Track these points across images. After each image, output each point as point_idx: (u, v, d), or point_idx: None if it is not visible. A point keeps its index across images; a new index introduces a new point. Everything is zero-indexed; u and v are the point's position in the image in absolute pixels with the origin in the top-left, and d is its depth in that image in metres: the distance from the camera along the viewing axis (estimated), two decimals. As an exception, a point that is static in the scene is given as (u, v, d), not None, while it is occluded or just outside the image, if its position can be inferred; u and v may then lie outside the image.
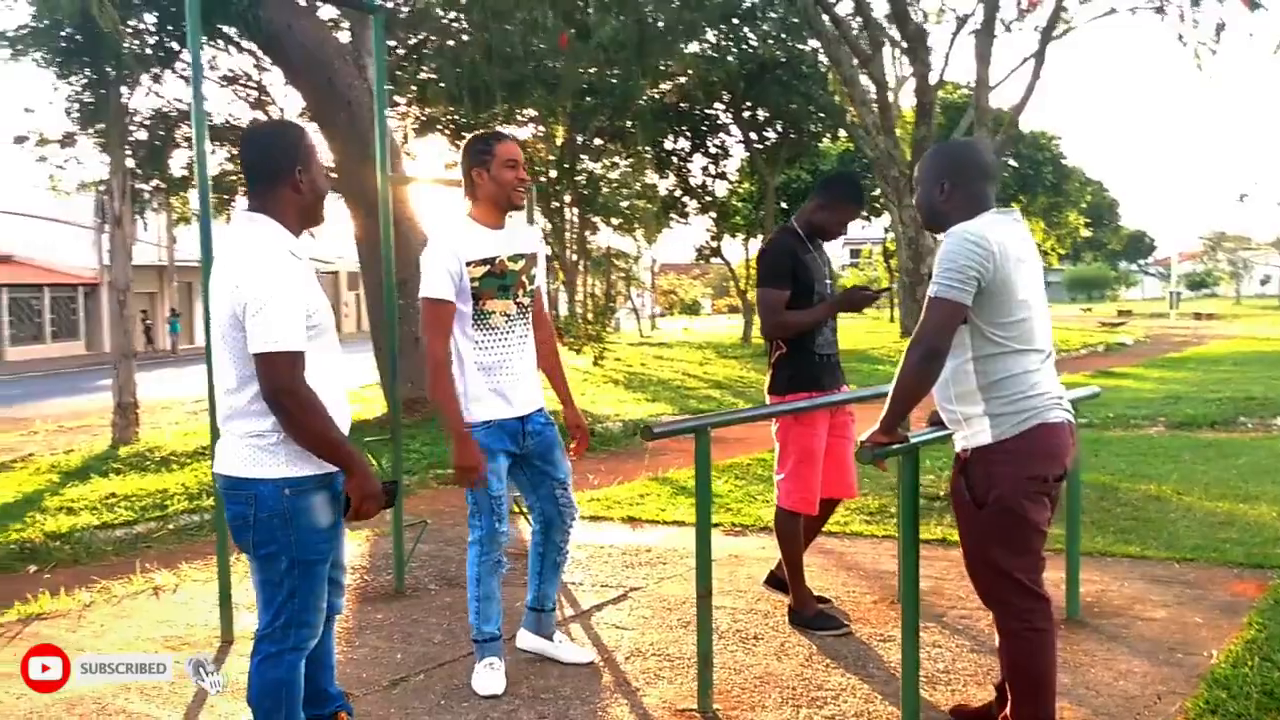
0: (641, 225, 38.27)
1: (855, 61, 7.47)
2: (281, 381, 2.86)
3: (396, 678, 4.28)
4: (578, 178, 31.00)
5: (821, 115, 27.46)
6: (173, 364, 31.34)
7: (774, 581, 5.06)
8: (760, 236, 32.29)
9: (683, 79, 26.83)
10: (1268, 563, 5.50)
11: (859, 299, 4.86)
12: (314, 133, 15.78)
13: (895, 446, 3.23)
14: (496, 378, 4.05)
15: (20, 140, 17.12)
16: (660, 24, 13.25)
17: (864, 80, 7.87)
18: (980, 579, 3.25)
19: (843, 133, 30.54)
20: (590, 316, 26.62)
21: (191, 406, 17.38)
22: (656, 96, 27.49)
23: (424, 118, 22.03)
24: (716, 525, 6.93)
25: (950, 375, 3.14)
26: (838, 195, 4.78)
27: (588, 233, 34.87)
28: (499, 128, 25.66)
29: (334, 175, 14.40)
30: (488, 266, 4.00)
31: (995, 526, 3.13)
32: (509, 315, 4.07)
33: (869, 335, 32.92)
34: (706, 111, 28.78)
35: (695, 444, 3.76)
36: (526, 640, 4.44)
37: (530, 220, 6.70)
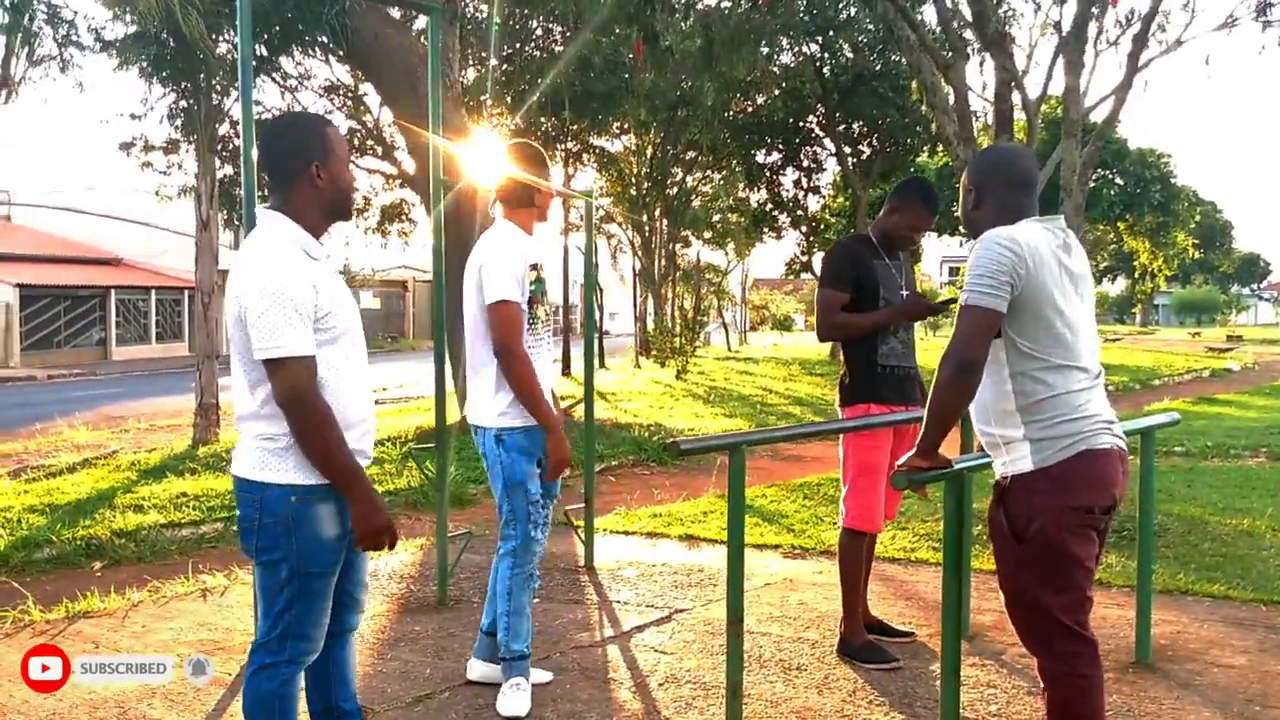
0: (732, 239, 38.07)
1: (935, 69, 7.19)
2: (291, 388, 2.75)
3: (421, 694, 4.15)
4: (669, 190, 30.91)
5: (918, 129, 26.92)
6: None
7: (845, 649, 4.57)
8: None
9: (776, 91, 26.57)
10: (1365, 609, 5.09)
11: (919, 308, 4.60)
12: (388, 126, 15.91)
13: (935, 472, 3.00)
14: (541, 380, 4.00)
15: (126, 147, 17.64)
16: (729, 29, 13.06)
17: (944, 89, 7.57)
18: (1019, 618, 2.98)
19: (940, 147, 29.98)
20: (678, 330, 26.46)
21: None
22: (748, 109, 27.30)
23: (514, 127, 22.20)
24: (775, 546, 6.71)
25: (987, 394, 2.90)
26: (908, 197, 4.58)
27: (677, 246, 34.76)
28: (592, 139, 25.86)
29: (415, 181, 14.53)
30: (536, 272, 4.03)
31: (1035, 562, 2.87)
32: (543, 321, 4.09)
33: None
34: (799, 124, 28.41)
35: (730, 462, 3.57)
36: (478, 670, 4.23)
37: (590, 232, 6.60)
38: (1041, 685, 3.01)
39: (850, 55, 25.83)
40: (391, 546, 2.92)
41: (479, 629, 4.32)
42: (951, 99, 7.08)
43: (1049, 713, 2.95)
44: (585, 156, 27.00)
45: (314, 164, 2.89)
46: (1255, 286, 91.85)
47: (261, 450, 2.86)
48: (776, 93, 26.76)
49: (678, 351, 24.28)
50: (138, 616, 5.33)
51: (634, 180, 30.00)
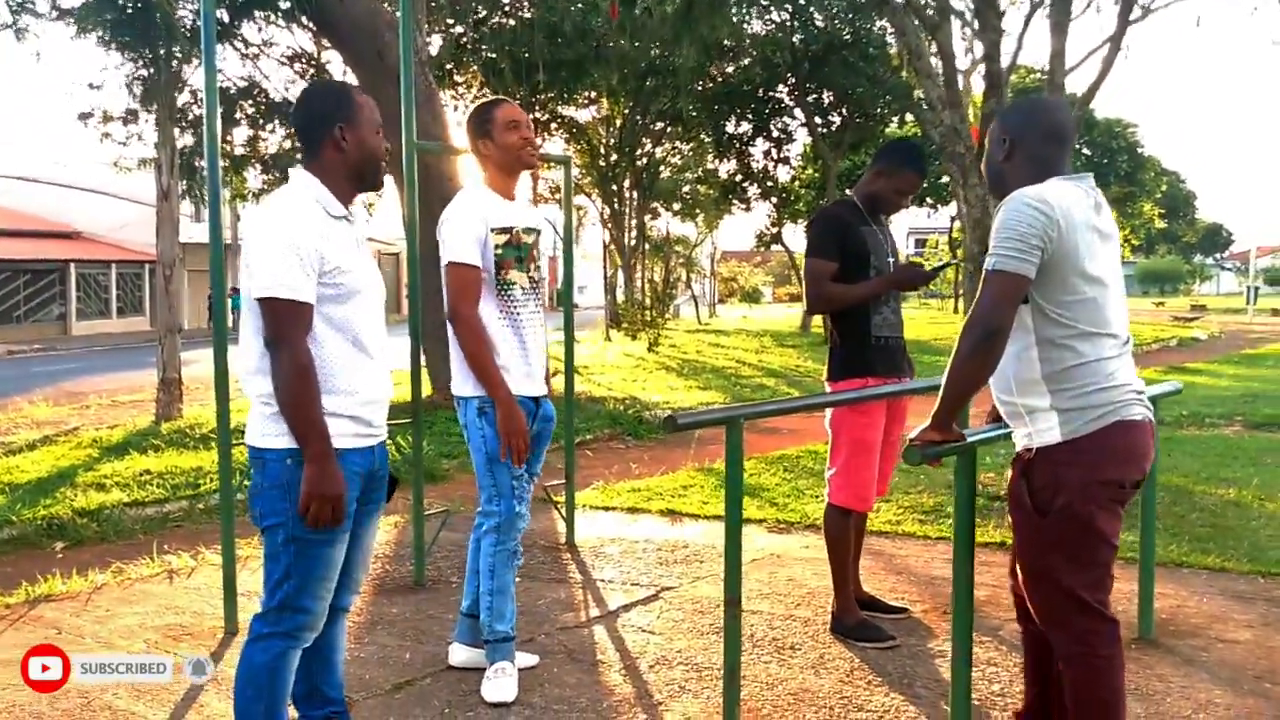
0: (701, 211, 37.87)
1: (922, 31, 7.01)
2: (278, 329, 2.71)
3: (401, 680, 3.97)
4: (638, 161, 30.62)
5: (888, 98, 26.79)
6: (234, 340, 31.53)
7: (839, 628, 4.43)
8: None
9: (745, 60, 26.35)
10: (1364, 581, 5.01)
11: (914, 276, 4.43)
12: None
13: (950, 446, 2.84)
14: (516, 351, 3.80)
15: (85, 117, 17.16)
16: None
17: (929, 52, 7.40)
18: (1038, 597, 2.83)
19: (909, 117, 29.86)
20: (648, 302, 26.27)
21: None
22: (718, 79, 27.06)
23: (482, 96, 21.86)
24: (760, 521, 6.56)
25: (1010, 362, 2.73)
26: (895, 160, 4.39)
27: (647, 218, 34.49)
28: (559, 108, 25.52)
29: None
30: (507, 235, 3.79)
31: (1059, 537, 2.72)
32: (524, 288, 3.83)
33: (931, 325, 32.19)
34: (770, 94, 28.19)
35: (726, 437, 3.39)
36: (460, 655, 4.06)
37: (569, 198, 6.37)
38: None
39: (821, 24, 25.62)
40: (337, 523, 2.77)
41: (459, 611, 4.15)
42: (937, 62, 6.91)
43: (1066, 694, 2.81)
44: (554, 126, 26.68)
45: (338, 127, 2.87)
46: (1218, 256, 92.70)
47: (261, 415, 2.81)
48: (746, 61, 26.51)
49: (649, 324, 24.10)
50: (101, 600, 5.11)
51: (603, 151, 29.70)
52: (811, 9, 25.02)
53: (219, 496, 5.16)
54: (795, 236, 35.94)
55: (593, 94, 25.53)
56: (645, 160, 31.23)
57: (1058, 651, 2.82)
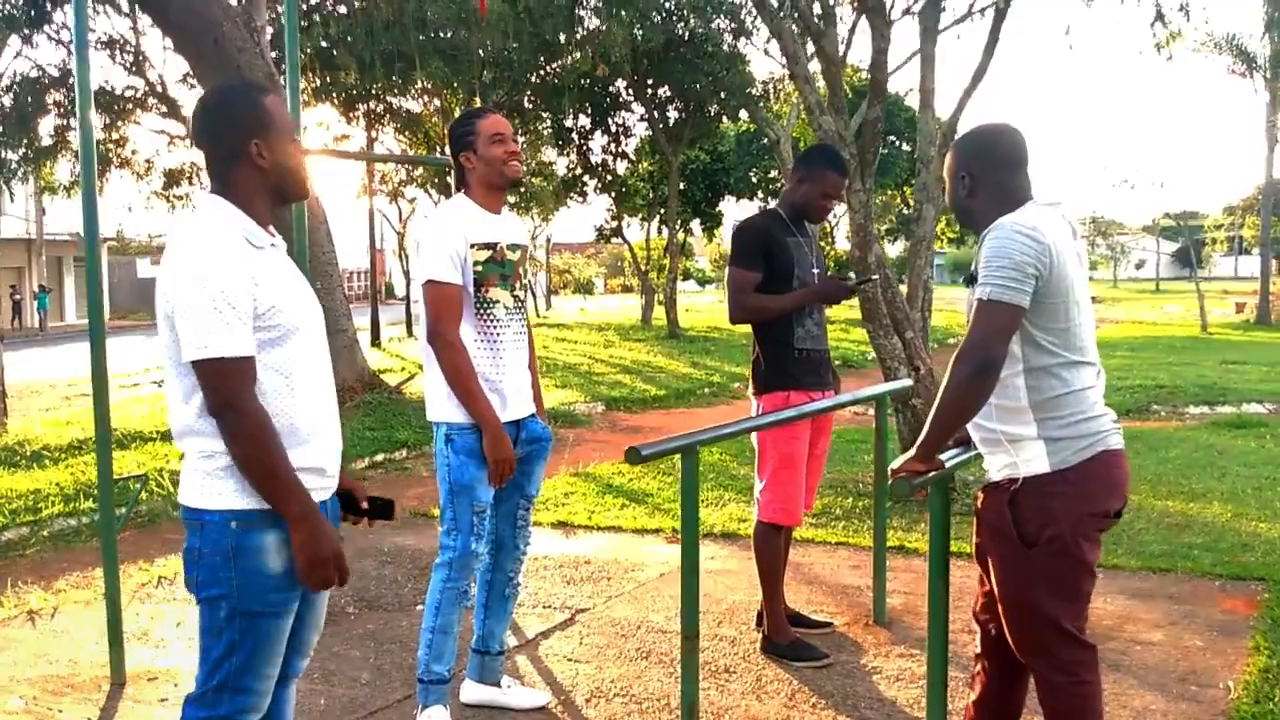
0: (538, 204, 37.58)
1: (796, 37, 7.01)
2: (221, 396, 2.36)
3: (324, 731, 3.70)
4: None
5: (724, 96, 27.11)
6: (41, 343, 29.66)
7: (772, 649, 4.34)
8: (660, 216, 31.99)
9: (577, 53, 26.24)
10: (1246, 573, 5.25)
11: (836, 290, 4.38)
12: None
13: (934, 474, 2.79)
14: (496, 374, 3.57)
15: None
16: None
17: (806, 57, 7.43)
18: (1020, 629, 2.80)
19: (743, 114, 30.30)
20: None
21: (65, 390, 16.26)
22: (560, 71, 26.87)
23: (314, 86, 21.11)
24: (656, 531, 6.47)
25: (994, 389, 2.69)
26: (816, 165, 4.35)
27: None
28: (390, 99, 24.87)
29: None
30: (490, 252, 3.57)
31: (1046, 569, 2.69)
32: (508, 308, 3.62)
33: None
34: (608, 88, 28.15)
35: (682, 465, 3.28)
36: (472, 692, 3.87)
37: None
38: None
39: (660, 19, 25.70)
40: (343, 582, 2.49)
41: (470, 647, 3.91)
42: (814, 67, 6.93)
43: (1048, 723, 2.80)
44: (386, 118, 26.04)
45: (254, 143, 2.48)
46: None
47: (199, 471, 2.45)
48: (579, 55, 26.38)
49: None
50: (-44, 651, 4.61)
51: (440, 143, 29.09)
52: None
53: (99, 521, 4.69)
54: (634, 230, 36.04)
55: (428, 85, 24.97)
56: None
57: (1042, 682, 2.80)
